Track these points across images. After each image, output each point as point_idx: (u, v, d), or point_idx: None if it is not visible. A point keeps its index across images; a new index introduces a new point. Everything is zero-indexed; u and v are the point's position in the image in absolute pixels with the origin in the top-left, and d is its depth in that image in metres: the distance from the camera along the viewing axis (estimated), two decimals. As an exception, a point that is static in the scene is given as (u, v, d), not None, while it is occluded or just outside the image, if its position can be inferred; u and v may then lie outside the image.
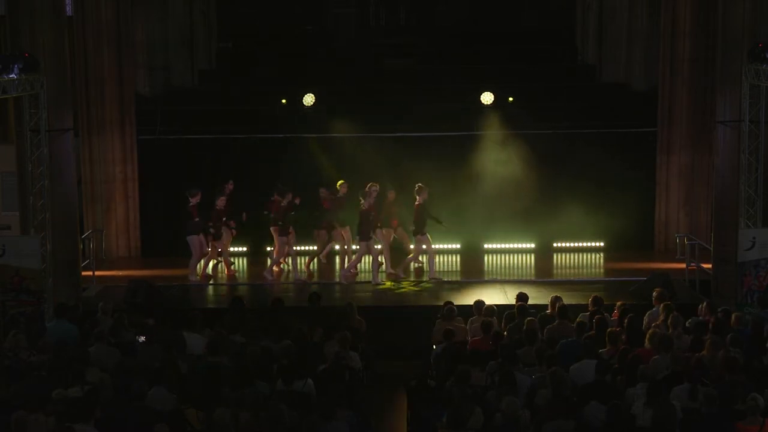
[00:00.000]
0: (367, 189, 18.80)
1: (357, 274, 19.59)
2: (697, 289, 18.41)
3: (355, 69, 23.37)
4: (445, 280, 19.42)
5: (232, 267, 20.00)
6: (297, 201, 19.19)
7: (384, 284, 18.93)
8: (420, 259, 19.90)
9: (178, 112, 21.69)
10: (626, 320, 14.19)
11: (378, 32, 25.65)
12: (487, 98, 21.13)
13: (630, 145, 21.55)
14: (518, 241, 21.43)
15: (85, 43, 20.87)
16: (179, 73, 23.36)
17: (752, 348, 12.84)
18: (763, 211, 17.20)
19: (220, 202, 19.15)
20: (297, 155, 21.05)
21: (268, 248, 20.15)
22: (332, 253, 20.35)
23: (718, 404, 10.69)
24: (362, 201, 18.66)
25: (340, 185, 19.56)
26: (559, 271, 20.57)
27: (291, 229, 19.26)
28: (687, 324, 14.00)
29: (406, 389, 12.66)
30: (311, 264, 20.07)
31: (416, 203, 19.00)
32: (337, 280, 19.29)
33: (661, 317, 14.32)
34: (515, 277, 19.73)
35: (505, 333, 13.98)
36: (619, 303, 15.44)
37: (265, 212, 19.42)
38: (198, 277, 19.30)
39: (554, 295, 15.32)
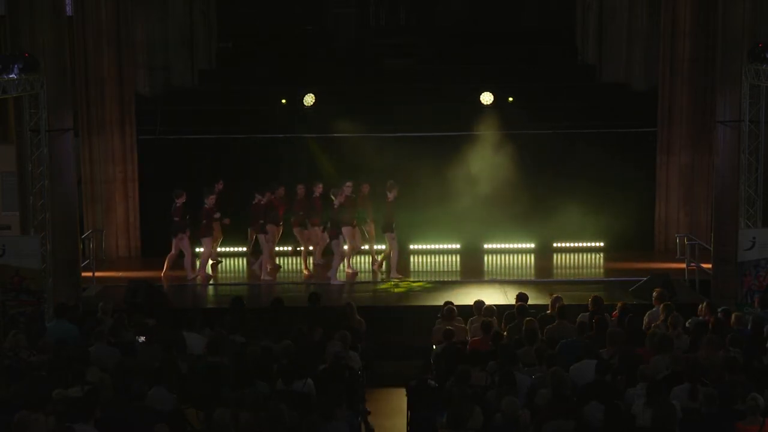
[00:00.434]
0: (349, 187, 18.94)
1: (356, 273, 19.65)
2: (697, 289, 18.42)
3: (355, 69, 23.37)
4: (408, 279, 19.38)
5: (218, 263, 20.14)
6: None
7: (341, 282, 19.03)
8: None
9: (178, 112, 21.69)
10: (626, 320, 14.19)
11: (378, 32, 25.66)
12: (486, 98, 21.13)
13: (630, 145, 21.55)
14: (518, 241, 21.42)
15: (85, 43, 20.88)
16: (179, 73, 23.37)
17: (752, 348, 12.84)
18: (763, 211, 17.21)
19: (210, 200, 19.19)
20: (297, 155, 21.06)
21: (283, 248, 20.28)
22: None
23: (718, 404, 10.70)
24: (334, 199, 18.71)
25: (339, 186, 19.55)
26: (559, 271, 20.58)
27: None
28: (687, 324, 14.01)
29: (406, 389, 12.65)
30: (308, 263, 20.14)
31: (387, 200, 19.05)
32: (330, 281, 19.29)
33: (661, 317, 14.33)
34: (515, 277, 19.74)
35: (505, 333, 13.97)
36: (619, 303, 15.44)
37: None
38: (199, 276, 19.39)
39: (554, 295, 15.32)
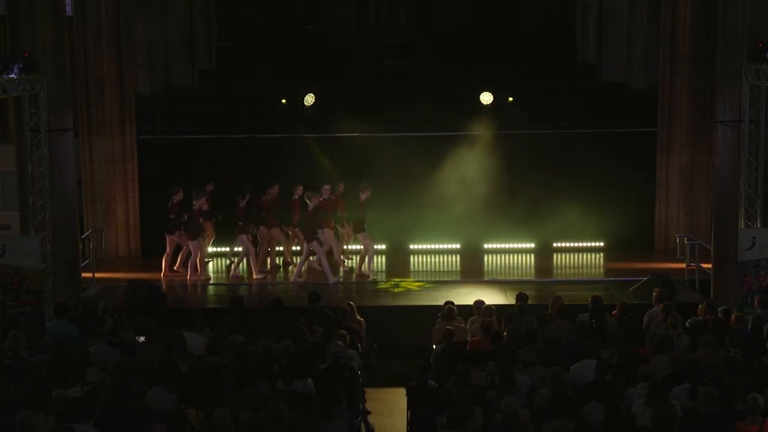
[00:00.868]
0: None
1: (365, 275, 19.67)
2: (697, 289, 18.42)
3: (355, 69, 23.39)
4: (372, 279, 19.38)
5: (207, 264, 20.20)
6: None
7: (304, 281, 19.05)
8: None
9: (178, 112, 21.68)
10: (626, 320, 14.19)
11: (378, 32, 25.65)
12: (486, 98, 21.13)
13: (630, 145, 21.55)
14: (518, 241, 21.42)
15: (85, 43, 20.88)
16: (179, 73, 23.36)
17: (752, 348, 12.84)
18: (763, 211, 17.19)
19: (200, 203, 19.17)
20: (297, 155, 21.05)
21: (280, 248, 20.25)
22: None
23: (718, 404, 10.70)
24: (308, 202, 18.70)
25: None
26: (559, 271, 20.58)
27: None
28: (687, 324, 14.01)
29: (406, 389, 12.65)
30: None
31: (360, 201, 19.04)
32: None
33: (661, 317, 14.33)
34: (515, 277, 19.74)
35: (505, 333, 13.97)
36: (619, 303, 15.44)
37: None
38: (203, 276, 19.47)
39: (554, 295, 15.32)
